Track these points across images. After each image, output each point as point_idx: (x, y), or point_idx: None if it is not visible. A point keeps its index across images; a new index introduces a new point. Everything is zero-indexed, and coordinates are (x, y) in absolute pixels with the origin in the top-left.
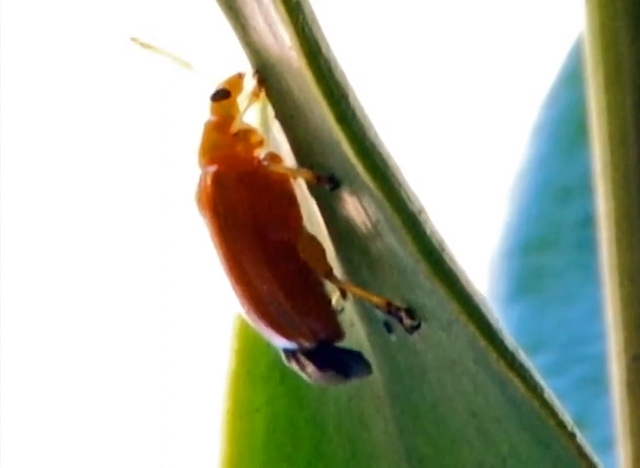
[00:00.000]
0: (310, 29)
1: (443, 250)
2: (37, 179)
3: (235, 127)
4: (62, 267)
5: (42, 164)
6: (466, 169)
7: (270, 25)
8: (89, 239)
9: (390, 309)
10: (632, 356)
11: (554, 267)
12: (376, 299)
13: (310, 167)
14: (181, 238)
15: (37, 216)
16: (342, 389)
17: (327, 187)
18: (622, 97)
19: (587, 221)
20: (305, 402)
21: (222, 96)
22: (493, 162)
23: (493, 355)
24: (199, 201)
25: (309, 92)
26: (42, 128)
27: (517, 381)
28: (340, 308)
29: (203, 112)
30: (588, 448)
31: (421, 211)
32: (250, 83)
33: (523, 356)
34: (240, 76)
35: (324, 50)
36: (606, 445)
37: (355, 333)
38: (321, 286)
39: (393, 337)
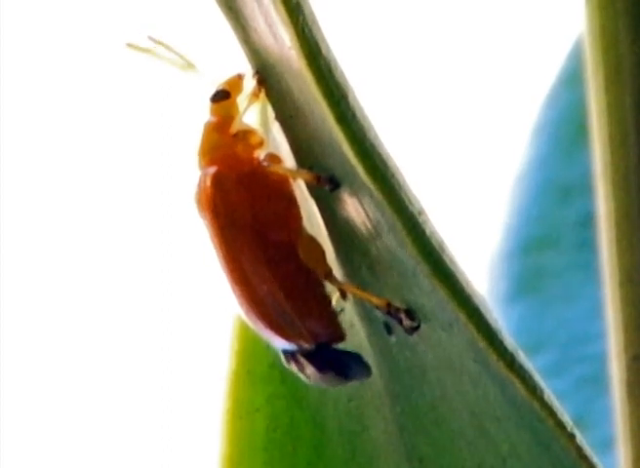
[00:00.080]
0: (310, 30)
1: (443, 251)
2: (38, 180)
3: (235, 128)
4: (63, 268)
5: (43, 165)
6: (466, 170)
7: (270, 26)
8: (89, 240)
9: (390, 310)
10: (632, 356)
11: (554, 267)
12: (375, 300)
13: (310, 167)
14: (181, 239)
15: (37, 217)
16: (343, 389)
17: (327, 188)
18: (622, 98)
19: (587, 222)
20: (305, 402)
21: (222, 96)
22: (493, 163)
23: (492, 356)
24: (199, 202)
25: (309, 92)
26: (43, 129)
27: (517, 382)
28: (339, 309)
29: (203, 113)
30: (588, 450)
31: (421, 212)
32: (249, 84)
33: (523, 357)
34: (240, 77)
35: (324, 50)
36: (606, 445)
37: (355, 334)
38: (321, 287)
39: (393, 338)
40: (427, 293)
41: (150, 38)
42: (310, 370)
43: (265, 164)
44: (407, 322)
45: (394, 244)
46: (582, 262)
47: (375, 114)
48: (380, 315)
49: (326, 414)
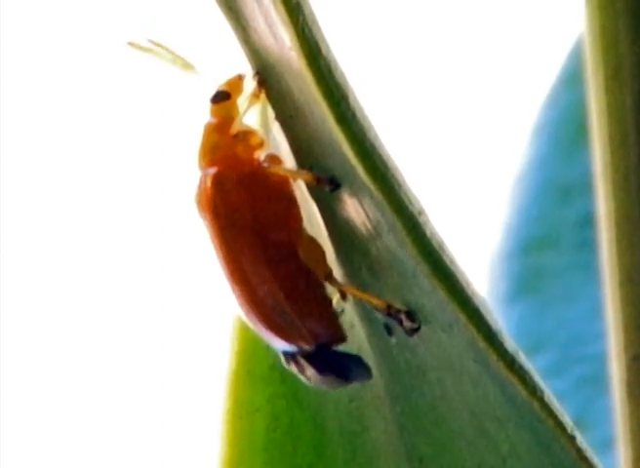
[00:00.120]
0: (310, 30)
1: (443, 251)
2: (38, 181)
3: (235, 128)
4: (63, 268)
5: (43, 166)
6: (466, 170)
7: (270, 26)
8: (89, 240)
9: (390, 311)
10: (632, 356)
11: (554, 267)
12: (376, 302)
13: (310, 168)
14: (182, 240)
15: (38, 218)
16: (343, 390)
17: (327, 189)
18: (623, 98)
19: (587, 222)
20: (306, 402)
21: (222, 97)
22: (493, 163)
23: (493, 357)
24: (199, 203)
25: (309, 93)
26: (43, 130)
27: (517, 383)
28: (340, 310)
29: (203, 114)
30: (588, 451)
31: (421, 212)
32: (250, 84)
33: (523, 358)
34: (240, 78)
35: (324, 51)
36: (606, 445)
37: (355, 335)
38: (321, 287)
39: (393, 339)
40: (427, 294)
41: (150, 39)
42: (310, 371)
43: (266, 165)
44: (407, 323)
45: (394, 244)
46: (582, 262)
47: (375, 114)
48: (380, 316)
49: (326, 414)
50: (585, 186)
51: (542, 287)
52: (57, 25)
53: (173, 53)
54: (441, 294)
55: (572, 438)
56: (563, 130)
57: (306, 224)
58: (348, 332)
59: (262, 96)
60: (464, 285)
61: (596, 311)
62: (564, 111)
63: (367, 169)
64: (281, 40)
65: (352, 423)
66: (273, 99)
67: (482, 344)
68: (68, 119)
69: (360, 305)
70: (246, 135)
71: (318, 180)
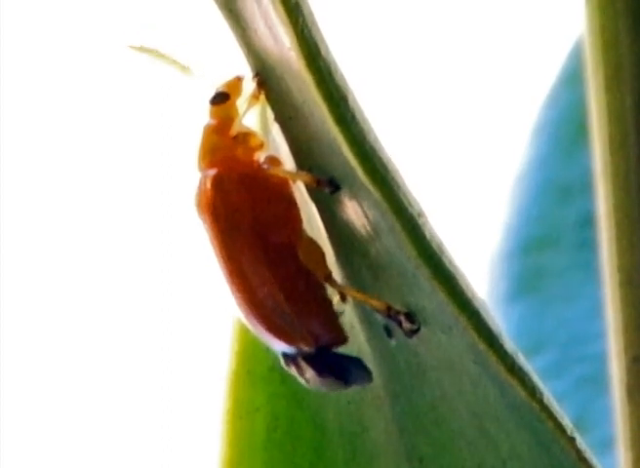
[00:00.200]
0: (310, 31)
1: (442, 252)
2: (38, 182)
3: (234, 130)
4: (63, 268)
5: (42, 167)
6: (466, 170)
7: (270, 28)
8: (89, 241)
9: (390, 313)
10: (632, 357)
11: (554, 267)
12: (375, 303)
13: (310, 169)
14: (181, 241)
15: (38, 218)
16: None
17: (326, 190)
18: (623, 98)
19: (587, 221)
20: (306, 402)
21: (221, 99)
22: (493, 163)
23: (492, 358)
24: (199, 204)
25: (309, 94)
26: (42, 131)
27: (517, 385)
28: (339, 311)
29: (202, 115)
30: (588, 452)
31: (421, 213)
32: (249, 86)
33: (522, 359)
34: (239, 79)
35: (323, 52)
36: (606, 445)
37: (355, 337)
38: (322, 289)
39: (393, 341)
40: (427, 296)
41: (149, 41)
42: (310, 373)
43: (265, 166)
44: (407, 324)
45: (394, 246)
46: (582, 262)
47: (374, 116)
48: (379, 318)
49: (326, 415)
50: (585, 186)
51: (542, 287)
52: (56, 25)
53: (172, 54)
54: (441, 296)
55: (571, 439)
56: (563, 130)
57: (306, 226)
58: (348, 334)
59: (262, 97)
60: (464, 286)
61: (596, 311)
62: (564, 111)
63: (366, 170)
64: (281, 42)
65: (352, 423)
66: (273, 101)
67: (482, 346)
68: (68, 120)
69: (360, 307)
70: (245, 136)
71: (318, 182)
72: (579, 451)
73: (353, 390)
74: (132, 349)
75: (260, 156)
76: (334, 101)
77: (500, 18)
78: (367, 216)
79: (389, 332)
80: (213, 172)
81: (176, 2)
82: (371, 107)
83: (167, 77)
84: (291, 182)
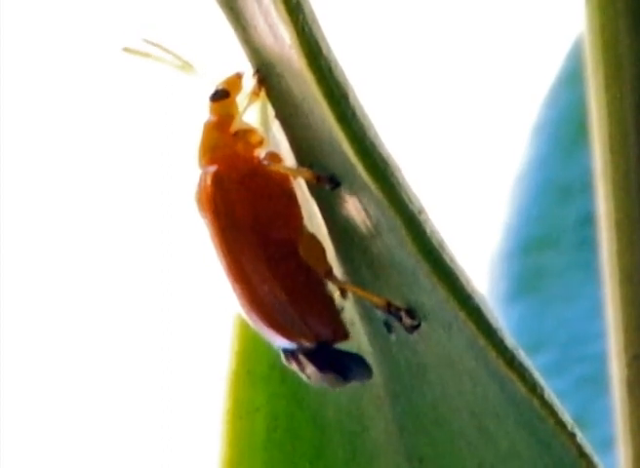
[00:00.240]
0: (310, 29)
1: (443, 249)
2: (38, 181)
3: (235, 127)
4: (63, 268)
5: (43, 165)
6: (466, 169)
7: (271, 26)
8: (89, 239)
9: (390, 309)
10: (632, 356)
11: (554, 267)
12: (375, 299)
13: (310, 166)
14: (182, 238)
15: (38, 218)
16: (343, 390)
17: (327, 187)
18: (622, 98)
19: (587, 221)
20: (306, 402)
21: (222, 95)
22: (493, 162)
23: (492, 354)
24: (199, 201)
25: (309, 91)
26: (43, 130)
27: (517, 380)
28: (340, 308)
29: (202, 112)
30: (588, 448)
31: (421, 210)
32: (249, 82)
33: (523, 355)
34: (239, 76)
35: (324, 49)
36: (606, 444)
37: (355, 333)
38: (322, 285)
39: (393, 337)
40: (427, 292)
41: (147, 41)
42: (311, 369)
43: (266, 163)
44: (407, 320)
45: (394, 242)
46: (582, 262)
47: (375, 113)
48: (379, 314)
49: (326, 414)
50: (585, 186)
51: (542, 286)
52: (56, 26)
53: (171, 53)
54: (441, 293)
55: (572, 435)
56: (563, 129)
57: (306, 222)
58: (349, 330)
59: (262, 94)
60: (464, 283)
61: (596, 311)
62: (564, 111)
63: (367, 167)
64: (281, 39)
65: (352, 423)
66: (273, 98)
67: (482, 342)
68: (68, 119)
69: (360, 303)
70: (246, 133)
71: (318, 179)
72: (579, 447)
73: (353, 389)
74: (132, 348)
75: (261, 153)
76: (334, 99)
77: (499, 17)
78: (367, 213)
79: (389, 329)
80: (213, 168)
81: (176, 1)
82: (371, 105)
83: (167, 74)
84: (291, 179)
